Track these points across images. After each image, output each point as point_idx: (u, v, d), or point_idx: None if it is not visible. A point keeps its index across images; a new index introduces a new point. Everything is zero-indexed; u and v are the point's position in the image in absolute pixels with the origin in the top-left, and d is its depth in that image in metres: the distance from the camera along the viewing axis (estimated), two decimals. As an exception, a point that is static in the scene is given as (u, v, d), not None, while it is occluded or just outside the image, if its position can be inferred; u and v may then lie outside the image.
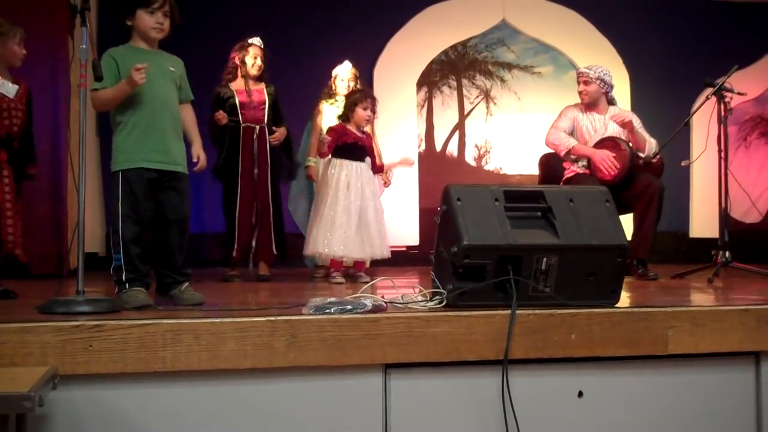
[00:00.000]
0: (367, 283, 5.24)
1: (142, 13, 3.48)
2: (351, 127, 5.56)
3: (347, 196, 5.41)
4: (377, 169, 5.70)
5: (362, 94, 5.64)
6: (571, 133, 5.89)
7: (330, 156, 5.50)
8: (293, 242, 5.97)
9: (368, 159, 5.62)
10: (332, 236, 5.35)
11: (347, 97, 5.72)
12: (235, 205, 5.66)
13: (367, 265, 5.84)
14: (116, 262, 3.40)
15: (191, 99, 3.73)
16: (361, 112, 5.54)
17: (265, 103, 5.80)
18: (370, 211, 5.48)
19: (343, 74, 6.19)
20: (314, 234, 5.42)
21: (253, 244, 5.71)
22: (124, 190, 3.39)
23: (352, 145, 5.51)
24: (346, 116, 5.60)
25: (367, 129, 5.73)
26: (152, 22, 3.48)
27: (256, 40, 5.87)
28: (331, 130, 5.56)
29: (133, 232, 3.40)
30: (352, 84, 6.15)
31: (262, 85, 5.85)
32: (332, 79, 6.23)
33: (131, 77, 3.33)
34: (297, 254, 5.83)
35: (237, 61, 5.79)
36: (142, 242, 3.43)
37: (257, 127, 5.74)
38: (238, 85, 5.79)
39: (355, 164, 5.51)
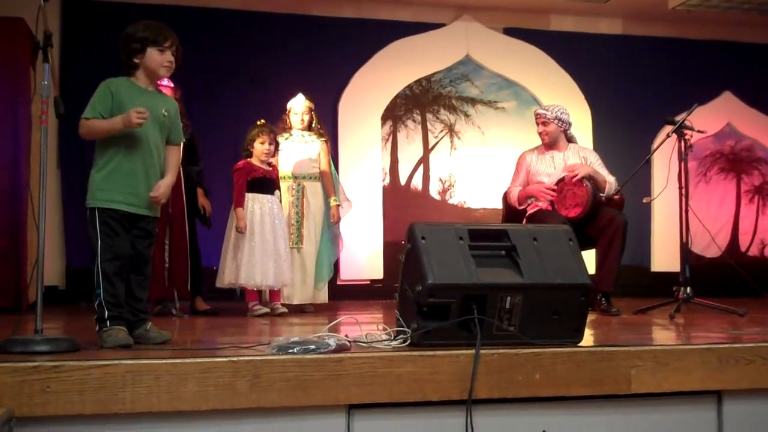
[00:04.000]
0: (285, 313, 5.58)
1: (152, 51, 3.47)
2: (255, 162, 5.69)
3: (262, 229, 5.60)
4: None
5: (259, 129, 5.72)
6: (527, 183, 6.00)
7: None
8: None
9: (278, 192, 5.78)
10: (249, 268, 5.54)
11: (249, 132, 5.76)
12: None
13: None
14: (98, 298, 3.36)
15: (181, 141, 3.69)
16: (259, 147, 5.68)
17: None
18: (281, 243, 5.68)
19: (297, 107, 6.20)
20: (230, 266, 5.60)
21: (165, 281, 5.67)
22: (101, 227, 3.37)
23: (261, 179, 5.68)
24: (248, 151, 5.70)
25: (273, 161, 5.86)
26: (163, 60, 3.49)
27: (167, 82, 5.70)
28: (236, 170, 5.69)
29: (114, 267, 3.37)
30: (306, 117, 6.16)
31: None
32: (287, 112, 6.22)
33: (129, 118, 3.31)
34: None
35: None
36: (121, 278, 3.40)
37: None
38: None
39: (267, 197, 5.68)
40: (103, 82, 3.46)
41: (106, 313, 3.33)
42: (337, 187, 6.33)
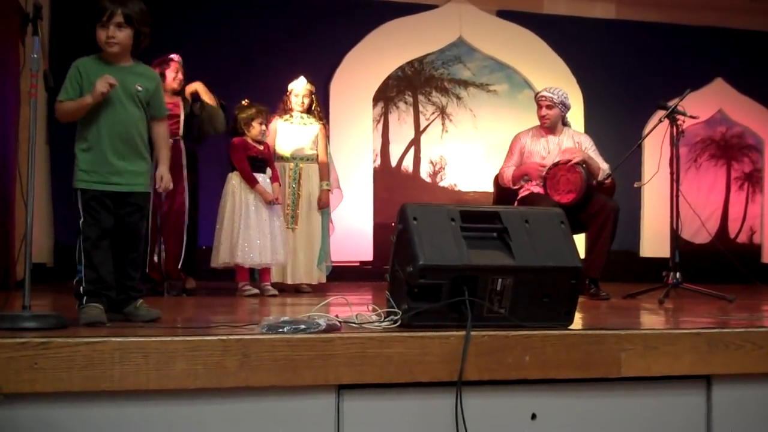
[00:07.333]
0: (275, 295, 5.56)
1: (97, 29, 3.41)
2: (249, 141, 5.72)
3: (257, 207, 5.63)
4: (275, 178, 5.86)
5: (257, 110, 5.76)
6: (520, 165, 5.97)
7: (231, 170, 5.74)
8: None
9: (269, 170, 5.79)
10: (244, 246, 5.56)
11: (240, 111, 5.78)
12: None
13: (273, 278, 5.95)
14: (78, 275, 3.36)
15: (165, 115, 3.65)
16: (257, 127, 5.72)
17: (179, 116, 5.73)
18: (275, 221, 5.71)
19: (298, 90, 6.21)
20: (225, 245, 5.62)
21: (159, 258, 5.60)
22: (84, 205, 3.37)
23: (253, 158, 5.71)
24: (242, 131, 5.73)
25: (266, 140, 5.90)
26: (104, 36, 3.40)
27: (176, 57, 5.80)
28: (234, 148, 5.70)
29: (95, 244, 3.36)
30: (306, 100, 6.20)
31: (178, 98, 5.77)
32: (287, 94, 6.23)
33: (95, 88, 3.28)
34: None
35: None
36: (102, 256, 3.38)
37: (170, 140, 5.64)
38: None
39: (260, 176, 5.71)
40: (73, 63, 3.43)
41: (83, 288, 3.32)
42: (330, 173, 6.34)
